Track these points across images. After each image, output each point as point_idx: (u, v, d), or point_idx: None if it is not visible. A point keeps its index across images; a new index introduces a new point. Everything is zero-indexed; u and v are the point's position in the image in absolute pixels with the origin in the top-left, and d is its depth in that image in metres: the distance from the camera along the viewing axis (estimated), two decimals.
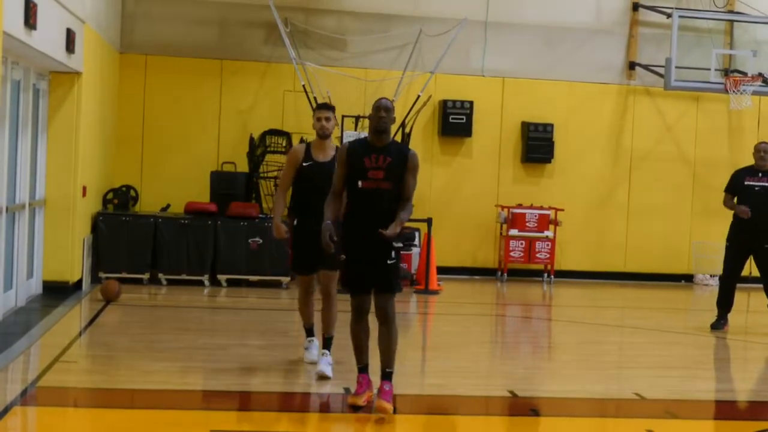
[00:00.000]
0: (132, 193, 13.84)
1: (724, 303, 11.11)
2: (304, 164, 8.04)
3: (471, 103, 15.15)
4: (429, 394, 7.90)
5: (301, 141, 7.78)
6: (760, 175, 10.99)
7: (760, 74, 14.87)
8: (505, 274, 15.11)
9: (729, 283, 11.12)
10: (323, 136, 8.09)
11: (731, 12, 15.77)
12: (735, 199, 11.02)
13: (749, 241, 10.91)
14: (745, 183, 10.98)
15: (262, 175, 14.33)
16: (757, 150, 11.12)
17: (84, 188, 11.86)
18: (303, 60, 14.34)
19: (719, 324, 11.06)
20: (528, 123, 15.37)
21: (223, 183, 14.04)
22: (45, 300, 11.08)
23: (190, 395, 7.48)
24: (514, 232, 14.97)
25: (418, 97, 14.60)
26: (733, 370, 9.82)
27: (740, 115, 15.69)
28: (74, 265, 11.72)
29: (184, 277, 12.84)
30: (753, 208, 10.84)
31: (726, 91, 14.84)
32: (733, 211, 11.03)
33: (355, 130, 14.10)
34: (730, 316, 11.14)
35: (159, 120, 14.53)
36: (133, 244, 12.72)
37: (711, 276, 15.06)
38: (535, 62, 15.54)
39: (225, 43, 14.84)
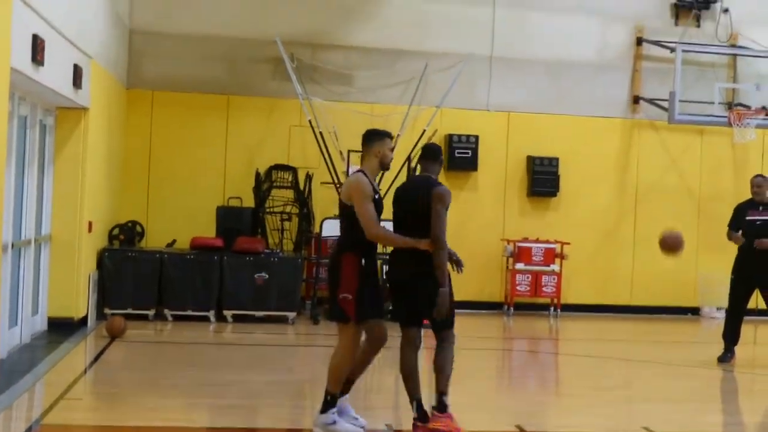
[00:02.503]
0: (138, 228, 13.86)
1: (731, 336, 11.08)
2: (375, 197, 7.06)
3: (476, 137, 15.19)
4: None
5: (358, 170, 7.05)
6: (760, 208, 11.02)
7: (763, 107, 14.94)
8: (512, 308, 15.08)
9: (735, 315, 11.10)
10: (388, 168, 7.33)
11: (734, 46, 15.84)
12: (740, 233, 11.04)
13: (754, 274, 10.90)
14: (747, 218, 11.01)
15: (268, 210, 14.36)
16: (752, 184, 11.18)
17: (90, 224, 11.88)
18: (309, 95, 14.40)
19: (726, 357, 11.02)
20: (533, 157, 15.39)
21: (229, 218, 14.07)
22: (50, 336, 11.04)
23: None
24: (520, 265, 14.95)
25: (424, 131, 14.65)
26: (741, 403, 9.77)
27: (744, 148, 15.71)
28: (79, 302, 11.69)
29: (190, 312, 12.79)
30: (750, 243, 10.87)
31: (730, 124, 14.89)
32: (738, 245, 11.04)
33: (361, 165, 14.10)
34: (737, 348, 11.10)
35: (165, 155, 14.59)
36: (139, 280, 12.67)
37: (717, 309, 15.01)
38: (540, 97, 15.59)
39: (232, 79, 14.91)
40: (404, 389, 7.19)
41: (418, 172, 7.96)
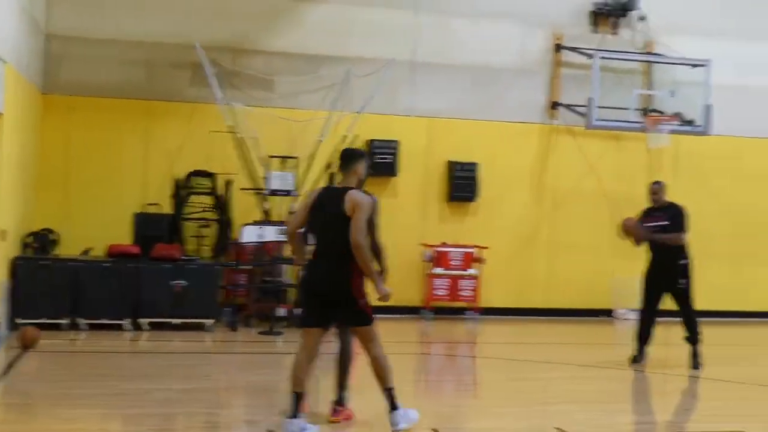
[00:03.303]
0: (52, 236, 13.60)
1: (642, 337, 11.33)
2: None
3: (397, 142, 15.27)
4: None
5: (352, 188, 7.36)
6: (657, 214, 11.30)
7: (677, 114, 15.26)
8: (430, 313, 15.19)
9: (646, 317, 11.34)
10: (362, 185, 7.66)
11: (650, 53, 16.16)
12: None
13: (662, 278, 11.15)
14: (645, 225, 11.28)
15: (186, 216, 14.26)
16: (650, 190, 11.51)
17: (2, 232, 11.67)
18: (230, 100, 14.34)
19: (638, 357, 11.26)
20: (453, 162, 15.53)
21: (146, 225, 13.95)
22: None
23: None
24: (438, 270, 15.07)
25: (345, 137, 14.68)
26: (653, 403, 9.98)
27: (659, 154, 16.04)
28: None
29: (106, 321, 12.57)
30: (655, 248, 11.14)
31: (645, 130, 15.20)
32: (648, 248, 11.31)
33: (282, 170, 14.11)
34: (649, 349, 11.34)
35: (82, 162, 14.38)
36: (53, 289, 12.35)
37: (630, 310, 15.29)
38: (460, 102, 15.74)
39: (151, 84, 14.77)
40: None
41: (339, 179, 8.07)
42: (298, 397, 7.31)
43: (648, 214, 11.41)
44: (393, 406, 7.50)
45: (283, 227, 13.18)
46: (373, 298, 7.45)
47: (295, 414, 7.30)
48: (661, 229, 11.16)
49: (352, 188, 7.37)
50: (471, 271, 15.14)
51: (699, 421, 9.00)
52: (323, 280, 7.32)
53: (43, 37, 14.26)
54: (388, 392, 7.49)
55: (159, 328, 12.67)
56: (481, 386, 10.67)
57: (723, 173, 16.57)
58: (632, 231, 11.32)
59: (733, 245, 16.57)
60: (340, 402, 7.95)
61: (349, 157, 7.57)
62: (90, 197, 14.32)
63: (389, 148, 15.24)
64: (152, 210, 14.30)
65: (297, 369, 7.38)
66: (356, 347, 7.91)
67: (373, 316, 7.46)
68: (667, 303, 11.36)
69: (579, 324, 15.37)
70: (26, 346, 10.87)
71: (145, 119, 14.68)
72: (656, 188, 11.47)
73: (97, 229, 13.97)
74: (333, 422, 7.79)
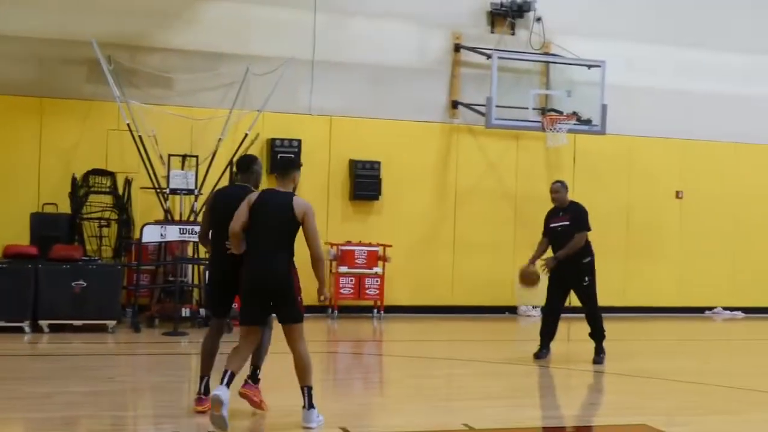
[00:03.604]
0: None
1: (546, 333, 11.50)
2: None
3: (299, 141, 15.21)
4: None
5: (292, 194, 8.04)
6: (560, 214, 11.49)
7: (574, 113, 15.56)
8: (336, 311, 15.18)
9: (550, 314, 11.53)
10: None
11: (547, 54, 16.44)
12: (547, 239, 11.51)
13: (567, 276, 11.34)
14: (551, 225, 11.47)
15: (85, 216, 13.94)
16: (550, 190, 11.67)
17: None
18: (127, 98, 14.07)
19: (543, 353, 11.43)
20: (355, 161, 15.55)
21: (44, 225, 13.57)
22: None
23: None
24: (343, 269, 15.07)
25: (246, 135, 14.55)
26: (558, 398, 10.14)
27: (557, 152, 16.34)
28: None
29: (3, 324, 12.22)
30: (559, 247, 11.33)
31: (543, 129, 15.46)
32: (552, 247, 11.48)
33: (182, 169, 13.92)
34: (553, 345, 11.53)
35: None
36: None
37: (534, 307, 15.56)
38: (361, 101, 15.76)
39: (45, 81, 14.37)
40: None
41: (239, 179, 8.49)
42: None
43: (552, 215, 11.57)
44: (309, 405, 7.65)
45: (187, 226, 13.06)
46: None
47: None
48: (564, 229, 11.35)
49: (294, 194, 7.82)
50: (376, 270, 15.18)
51: (604, 415, 9.18)
52: (267, 276, 7.66)
53: None
54: (308, 390, 7.66)
55: (59, 330, 12.37)
56: (388, 384, 10.69)
57: (617, 172, 16.97)
58: (527, 278, 11.41)
59: (628, 242, 16.99)
60: (254, 378, 8.24)
61: (288, 165, 8.07)
62: None
63: (291, 146, 15.17)
64: (50, 210, 13.93)
65: (238, 356, 7.76)
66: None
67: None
68: (572, 299, 11.59)
69: (484, 321, 15.55)
70: None
71: (39, 117, 14.30)
72: (556, 187, 11.63)
73: None
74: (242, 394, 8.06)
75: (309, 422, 7.59)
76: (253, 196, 7.80)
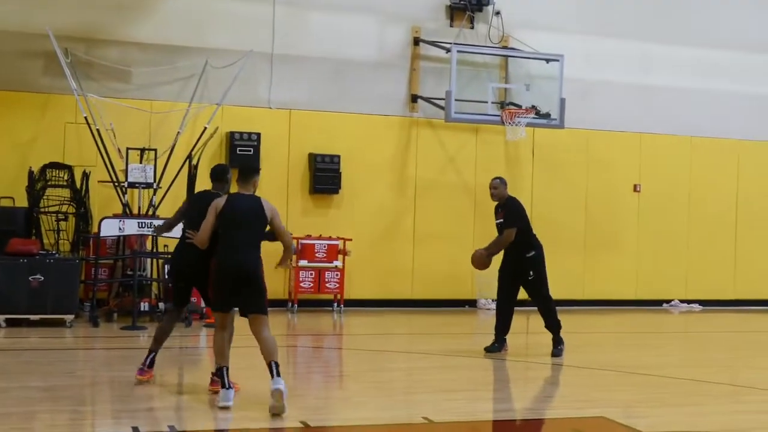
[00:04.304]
0: None
1: (499, 327, 11.57)
2: None
3: (258, 134, 15.17)
4: (220, 429, 7.82)
5: (256, 196, 8.82)
6: (499, 210, 11.59)
7: (533, 107, 15.65)
8: (296, 305, 15.17)
9: (504, 307, 11.59)
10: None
11: (506, 48, 16.53)
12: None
13: (513, 271, 11.42)
14: (496, 221, 11.56)
15: (42, 210, 13.82)
16: (489, 186, 11.72)
17: None
18: (85, 91, 13.96)
19: (494, 347, 11.48)
20: (315, 154, 15.54)
21: (0, 219, 13.44)
22: None
23: None
24: (303, 262, 15.07)
25: (205, 129, 14.50)
26: (516, 390, 10.22)
27: (516, 146, 16.43)
28: None
29: None
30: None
31: (502, 122, 15.54)
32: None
33: (141, 162, 13.84)
34: (511, 337, 11.60)
35: None
36: None
37: (492, 301, 15.61)
38: (321, 94, 15.76)
39: (1, 73, 14.23)
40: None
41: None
42: (226, 370, 8.22)
43: (495, 211, 11.67)
44: (278, 374, 8.05)
45: (145, 220, 13.01)
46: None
47: (228, 385, 8.14)
48: (499, 226, 11.45)
49: (260, 198, 8.55)
50: (336, 263, 15.19)
51: (562, 408, 9.25)
52: (240, 267, 8.26)
53: None
54: (276, 365, 8.08)
55: (16, 324, 12.28)
56: (347, 378, 10.71)
57: (575, 165, 17.10)
58: (477, 262, 11.57)
59: (586, 236, 17.13)
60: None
61: (249, 171, 8.71)
62: None
63: (250, 140, 15.13)
64: (6, 204, 13.80)
65: (219, 346, 8.35)
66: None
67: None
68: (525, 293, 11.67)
69: (443, 314, 15.61)
70: None
71: None
72: (495, 183, 11.65)
73: None
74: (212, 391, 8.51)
75: (279, 384, 7.94)
76: (220, 202, 8.45)
